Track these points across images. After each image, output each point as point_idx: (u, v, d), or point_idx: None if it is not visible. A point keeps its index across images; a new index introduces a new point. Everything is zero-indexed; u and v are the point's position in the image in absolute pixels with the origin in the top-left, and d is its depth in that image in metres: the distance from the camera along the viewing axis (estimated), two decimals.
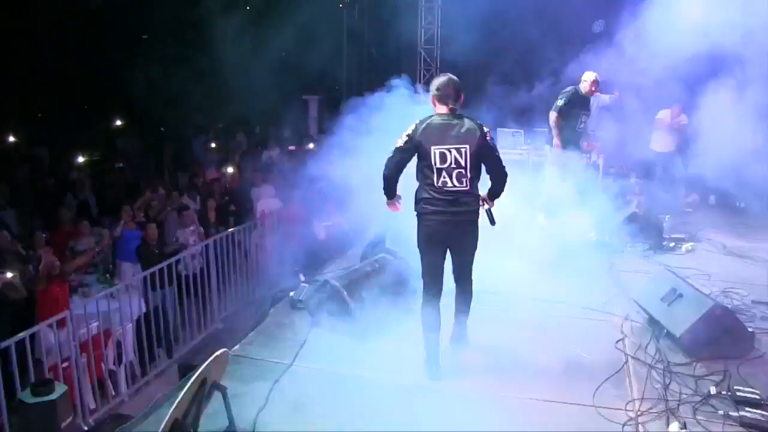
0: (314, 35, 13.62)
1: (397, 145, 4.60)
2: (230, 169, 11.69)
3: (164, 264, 6.94)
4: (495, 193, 4.82)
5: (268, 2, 14.76)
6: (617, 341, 5.31)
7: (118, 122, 15.38)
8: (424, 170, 4.60)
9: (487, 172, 4.72)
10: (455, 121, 4.57)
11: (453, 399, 4.42)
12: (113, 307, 6.53)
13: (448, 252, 4.78)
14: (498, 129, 10.09)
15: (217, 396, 3.72)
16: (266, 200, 10.02)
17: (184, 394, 3.33)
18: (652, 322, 5.46)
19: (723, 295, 6.20)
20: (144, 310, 7.05)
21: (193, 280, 7.45)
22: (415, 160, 4.66)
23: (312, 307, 5.70)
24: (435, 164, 4.52)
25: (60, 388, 3.72)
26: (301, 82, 14.55)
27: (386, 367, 4.80)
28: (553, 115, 8.15)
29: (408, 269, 6.17)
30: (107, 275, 8.12)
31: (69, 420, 3.74)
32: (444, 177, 4.53)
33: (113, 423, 5.44)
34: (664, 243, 7.95)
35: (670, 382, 4.56)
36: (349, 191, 7.47)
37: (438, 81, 4.69)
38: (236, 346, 5.22)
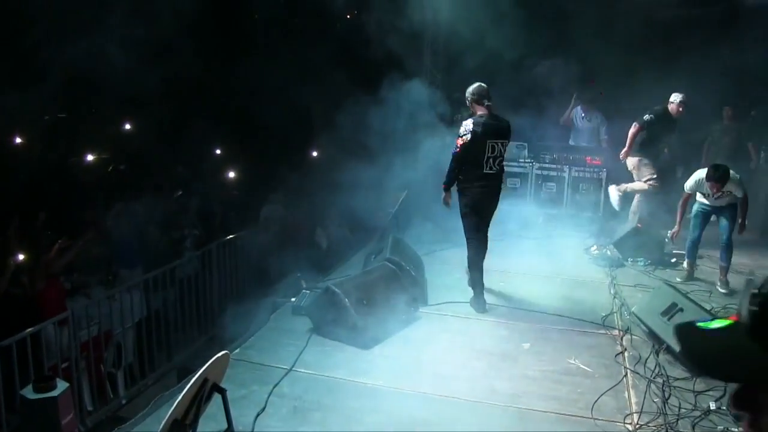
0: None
1: (462, 143, 5.82)
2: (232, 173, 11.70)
3: (165, 268, 6.94)
4: None
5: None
6: (617, 354, 5.32)
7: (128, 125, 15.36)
8: (477, 158, 5.86)
9: None
10: (496, 121, 5.94)
11: (450, 407, 4.42)
12: (114, 308, 6.53)
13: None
14: None
15: (216, 398, 3.72)
16: (270, 206, 10.04)
17: (184, 394, 3.33)
18: (652, 336, 5.46)
19: (724, 312, 6.20)
20: (145, 312, 7.05)
21: (195, 283, 7.46)
22: None
23: (313, 313, 5.71)
24: (486, 153, 5.86)
25: (61, 386, 3.73)
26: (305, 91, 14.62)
27: (385, 374, 4.81)
28: (633, 126, 8.21)
29: (409, 278, 6.19)
30: (110, 278, 8.13)
31: (70, 417, 3.74)
32: (489, 163, 5.91)
33: (110, 425, 5.46)
34: (665, 258, 7.95)
35: (669, 397, 4.56)
36: (353, 198, 7.54)
37: (472, 87, 6.01)
38: (237, 350, 5.23)
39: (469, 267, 6.34)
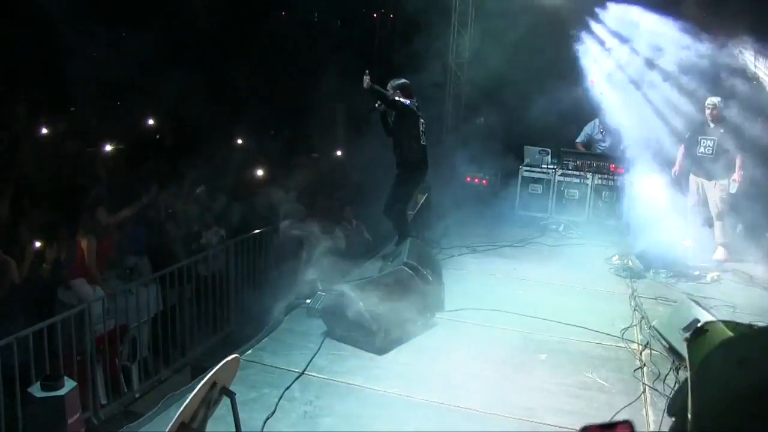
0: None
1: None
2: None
3: (183, 263, 6.95)
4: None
5: None
6: (635, 370, 5.20)
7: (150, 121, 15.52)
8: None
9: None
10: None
11: (462, 418, 4.35)
12: (131, 303, 6.55)
13: None
14: (525, 146, 10.04)
15: (225, 401, 3.69)
16: (290, 204, 10.03)
17: (193, 397, 3.30)
18: (672, 352, 5.34)
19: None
20: (161, 307, 7.07)
21: (212, 281, 7.46)
22: None
23: (327, 317, 5.66)
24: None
25: (69, 384, 3.73)
26: (328, 89, 14.63)
27: (398, 382, 4.75)
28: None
29: (426, 283, 6.12)
30: (128, 270, 8.16)
31: (77, 416, 3.74)
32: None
33: (123, 419, 5.48)
34: (689, 271, 7.79)
35: None
36: (372, 199, 7.50)
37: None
38: (249, 351, 5.20)
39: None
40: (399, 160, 7.24)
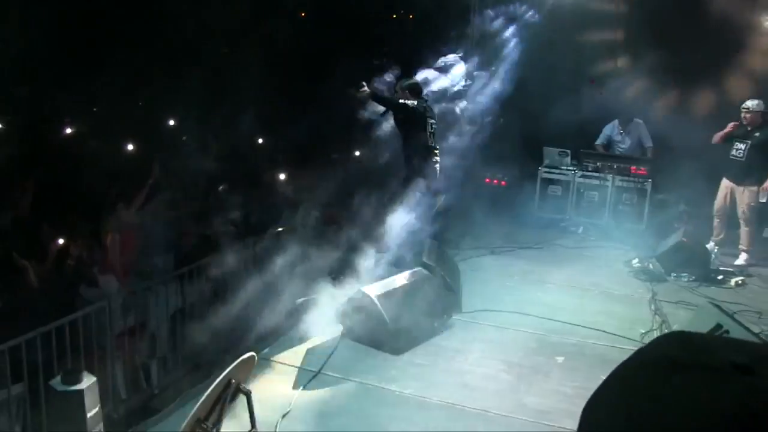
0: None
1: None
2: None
3: (202, 261, 7.00)
4: None
5: None
6: None
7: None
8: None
9: None
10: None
11: (477, 420, 4.34)
12: (150, 300, 6.61)
13: None
14: (544, 147, 9.97)
15: (240, 399, 3.72)
16: (308, 204, 10.04)
17: (209, 394, 3.34)
18: None
19: None
20: (180, 304, 7.13)
21: (230, 279, 7.50)
22: None
23: (344, 316, 5.68)
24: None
25: (89, 379, 3.78)
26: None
27: (414, 383, 4.75)
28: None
29: (444, 284, 6.11)
30: (148, 268, 8.23)
31: (96, 410, 3.79)
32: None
33: (142, 414, 5.53)
34: (712, 275, 7.68)
35: None
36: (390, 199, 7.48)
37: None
38: (266, 350, 5.24)
39: None
40: (406, 161, 7.26)
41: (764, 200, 7.92)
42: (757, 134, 7.85)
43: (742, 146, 7.90)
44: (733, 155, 7.98)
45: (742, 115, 7.85)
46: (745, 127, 7.90)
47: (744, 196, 7.99)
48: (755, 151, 7.81)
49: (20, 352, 4.41)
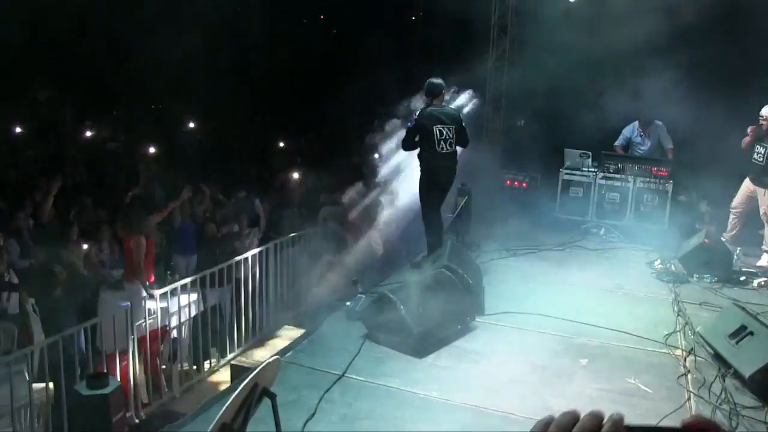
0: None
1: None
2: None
3: (223, 265, 7.03)
4: None
5: None
6: (680, 376, 5.09)
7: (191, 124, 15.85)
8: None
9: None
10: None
11: (501, 422, 4.31)
12: (172, 303, 6.64)
13: None
14: (565, 149, 9.91)
15: (266, 402, 3.72)
16: (329, 207, 10.05)
17: (234, 398, 3.34)
18: (718, 359, 5.21)
19: None
20: (201, 308, 7.15)
21: (252, 282, 7.53)
22: None
23: (367, 319, 5.67)
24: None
25: (114, 383, 3.80)
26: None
27: (438, 385, 4.74)
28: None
29: (466, 286, 6.08)
30: (168, 272, 8.28)
31: (120, 414, 3.81)
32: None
33: (164, 418, 5.56)
34: (734, 276, 7.59)
35: (737, 426, 4.34)
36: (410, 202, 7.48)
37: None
38: (289, 353, 5.24)
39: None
40: (420, 166, 7.18)
41: None
42: None
43: (762, 150, 7.88)
44: (754, 159, 7.97)
45: (760, 122, 7.81)
46: (765, 132, 7.87)
47: (766, 197, 7.92)
48: None
49: (42, 355, 4.46)
